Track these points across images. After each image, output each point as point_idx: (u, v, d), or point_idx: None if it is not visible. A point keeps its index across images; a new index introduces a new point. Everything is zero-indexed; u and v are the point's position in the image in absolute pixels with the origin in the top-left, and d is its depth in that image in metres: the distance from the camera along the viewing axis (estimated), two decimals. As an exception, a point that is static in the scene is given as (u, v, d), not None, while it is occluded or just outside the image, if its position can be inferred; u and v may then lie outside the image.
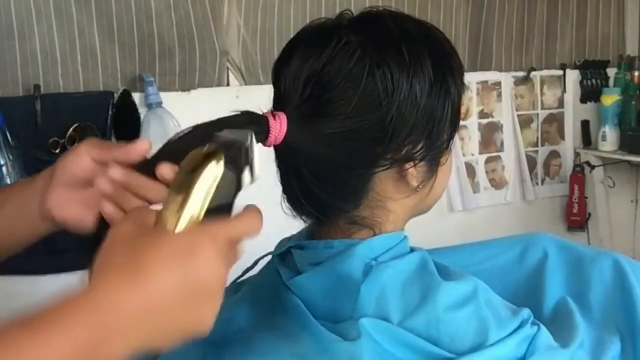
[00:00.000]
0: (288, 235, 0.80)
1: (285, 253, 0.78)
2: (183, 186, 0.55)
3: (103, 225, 0.64)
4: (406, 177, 0.71)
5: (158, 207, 0.57)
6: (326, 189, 0.70)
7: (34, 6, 1.71)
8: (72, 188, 0.69)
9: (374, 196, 0.72)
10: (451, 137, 0.74)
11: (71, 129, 1.72)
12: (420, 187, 0.72)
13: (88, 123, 1.74)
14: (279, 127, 0.65)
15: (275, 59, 0.73)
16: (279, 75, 0.71)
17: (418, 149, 0.70)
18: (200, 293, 0.53)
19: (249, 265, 0.82)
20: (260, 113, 0.66)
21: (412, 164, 0.70)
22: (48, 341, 0.47)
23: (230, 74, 1.98)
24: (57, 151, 1.71)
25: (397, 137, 0.68)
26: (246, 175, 0.58)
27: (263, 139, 0.65)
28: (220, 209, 0.56)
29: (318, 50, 0.68)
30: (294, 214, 0.75)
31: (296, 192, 0.71)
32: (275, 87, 0.72)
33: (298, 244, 0.76)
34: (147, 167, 0.63)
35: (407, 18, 0.73)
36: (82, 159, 0.68)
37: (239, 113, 0.65)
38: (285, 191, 0.73)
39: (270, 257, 0.80)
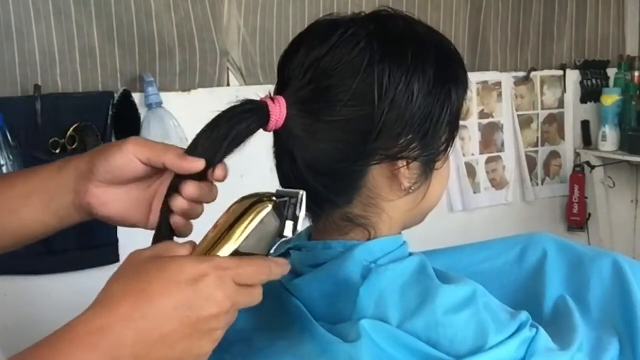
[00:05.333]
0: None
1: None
2: (225, 225, 0.59)
3: (165, 230, 0.66)
4: (398, 176, 0.71)
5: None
6: (319, 178, 0.70)
7: (32, 5, 1.71)
8: (115, 185, 0.68)
9: (366, 192, 0.71)
10: (449, 142, 0.74)
11: (71, 129, 1.72)
12: (413, 188, 0.72)
13: (88, 123, 1.74)
14: (279, 110, 0.66)
15: (275, 59, 0.73)
16: (284, 64, 0.72)
17: (411, 147, 0.70)
18: (199, 326, 0.54)
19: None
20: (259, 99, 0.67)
21: (404, 162, 0.70)
22: None
23: (230, 74, 1.98)
24: (57, 151, 1.71)
25: (388, 132, 0.68)
26: (288, 227, 0.61)
27: (264, 123, 0.66)
28: (253, 252, 0.59)
29: (324, 39, 0.69)
30: None
31: (290, 179, 0.71)
32: (278, 76, 0.73)
33: (296, 245, 0.76)
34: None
35: (419, 23, 0.74)
36: (130, 159, 0.66)
37: (239, 103, 0.65)
38: (280, 177, 0.73)
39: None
